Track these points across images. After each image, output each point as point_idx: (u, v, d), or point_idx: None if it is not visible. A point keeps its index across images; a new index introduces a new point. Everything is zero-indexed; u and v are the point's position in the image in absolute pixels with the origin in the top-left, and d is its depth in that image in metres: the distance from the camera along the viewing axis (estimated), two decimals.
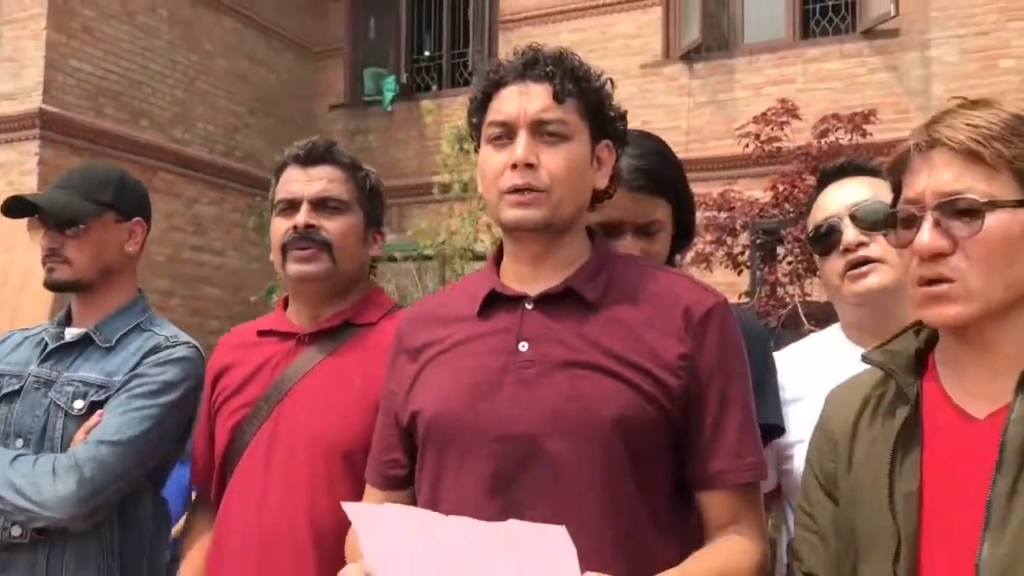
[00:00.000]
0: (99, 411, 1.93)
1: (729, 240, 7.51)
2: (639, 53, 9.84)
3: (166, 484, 2.14)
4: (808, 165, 7.08)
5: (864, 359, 1.34)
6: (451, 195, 8.04)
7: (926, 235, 1.17)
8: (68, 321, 2.10)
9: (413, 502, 1.48)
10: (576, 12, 10.14)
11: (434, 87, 11.24)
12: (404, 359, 1.55)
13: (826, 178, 1.91)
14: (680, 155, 1.87)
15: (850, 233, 1.77)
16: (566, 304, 1.44)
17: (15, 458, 1.87)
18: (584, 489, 1.35)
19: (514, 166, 1.42)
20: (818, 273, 1.94)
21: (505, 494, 1.34)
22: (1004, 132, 1.15)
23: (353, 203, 1.87)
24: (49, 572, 1.89)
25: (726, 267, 7.60)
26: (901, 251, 1.24)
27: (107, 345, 2.02)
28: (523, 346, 1.42)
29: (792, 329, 6.63)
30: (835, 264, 1.81)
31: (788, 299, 7.08)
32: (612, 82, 1.55)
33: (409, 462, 1.52)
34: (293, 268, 1.83)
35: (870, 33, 8.96)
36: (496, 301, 1.48)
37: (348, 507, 1.22)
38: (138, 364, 1.97)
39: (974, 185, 1.16)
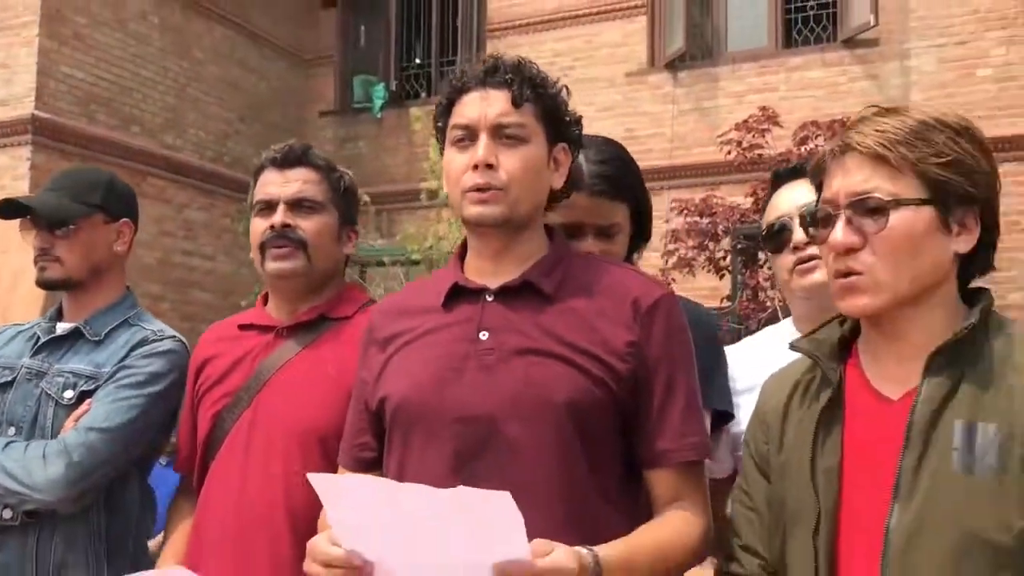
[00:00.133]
0: (88, 400, 2.02)
1: (711, 245, 7.64)
2: (624, 61, 9.95)
3: (158, 488, 2.22)
4: None
5: (792, 347, 1.45)
6: (438, 201, 8.13)
7: (839, 232, 1.29)
8: (59, 316, 2.19)
9: None
10: (562, 21, 10.24)
11: (423, 94, 11.33)
12: (374, 349, 1.64)
13: (779, 179, 2.01)
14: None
15: (799, 232, 1.88)
16: (524, 296, 1.55)
17: (7, 444, 1.97)
18: (538, 467, 1.44)
19: (475, 166, 1.52)
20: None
21: (465, 471, 1.43)
22: (908, 137, 1.27)
23: (327, 203, 1.95)
24: (39, 553, 1.98)
25: (708, 272, 7.73)
26: (821, 247, 1.35)
27: (96, 339, 2.11)
28: (484, 335, 1.52)
29: None
30: (785, 261, 1.91)
31: (768, 302, 7.19)
32: (567, 89, 1.65)
33: (378, 445, 1.61)
34: (271, 265, 1.91)
35: (851, 42, 9.09)
36: (459, 294, 1.58)
37: (314, 478, 1.30)
38: (126, 356, 2.07)
39: (881, 185, 1.27)
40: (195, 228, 9.90)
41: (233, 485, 1.85)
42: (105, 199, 2.17)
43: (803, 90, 9.08)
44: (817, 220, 1.34)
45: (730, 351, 2.02)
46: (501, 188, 1.52)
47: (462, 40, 10.90)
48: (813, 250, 1.86)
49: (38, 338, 2.15)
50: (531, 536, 1.24)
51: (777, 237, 1.92)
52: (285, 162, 1.95)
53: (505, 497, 1.18)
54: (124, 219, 2.21)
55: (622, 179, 1.86)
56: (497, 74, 1.57)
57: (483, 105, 1.55)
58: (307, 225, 1.92)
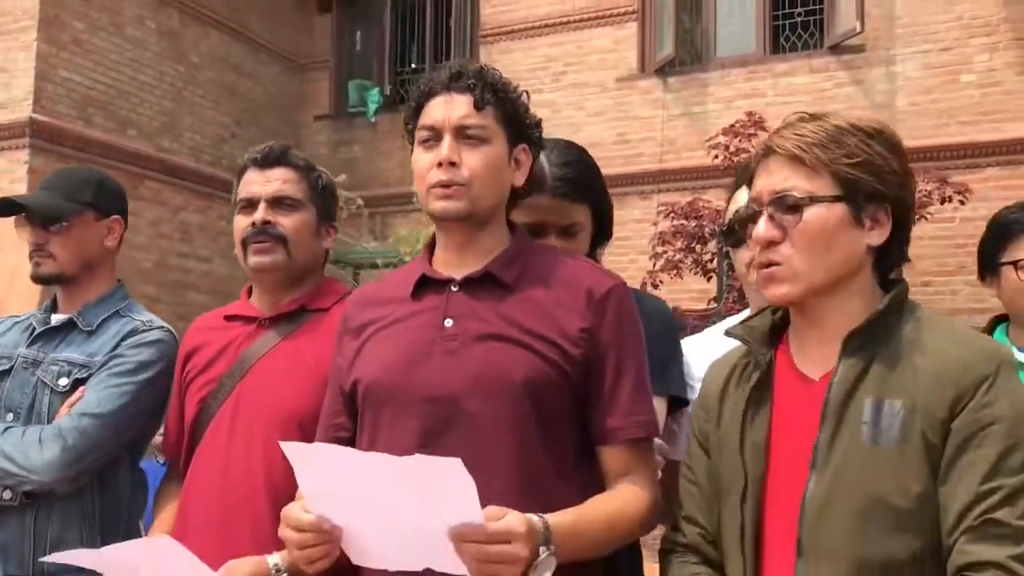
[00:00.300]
0: (81, 388, 2.13)
1: (698, 248, 7.76)
2: (615, 67, 10.08)
3: (154, 483, 2.28)
4: None
5: (727, 333, 1.58)
6: None
7: (761, 227, 1.42)
8: (54, 308, 2.30)
9: None
10: (554, 27, 10.38)
11: None
12: (349, 337, 1.77)
13: (740, 178, 2.14)
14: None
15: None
16: (486, 286, 1.67)
17: (6, 429, 2.08)
18: (498, 441, 1.55)
19: (439, 164, 1.65)
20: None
21: (431, 446, 1.53)
22: (824, 140, 1.39)
23: (306, 201, 2.06)
24: (36, 531, 2.09)
25: (696, 274, 7.85)
26: (750, 241, 1.48)
27: (89, 329, 2.22)
28: (448, 322, 1.64)
29: None
30: (744, 255, 2.03)
31: None
32: (528, 94, 1.78)
33: (352, 425, 1.73)
34: (252, 260, 2.02)
35: (837, 49, 9.22)
36: (427, 284, 1.71)
37: (286, 447, 1.41)
38: (117, 346, 2.17)
39: (798, 184, 1.40)
40: (191, 231, 9.99)
41: (217, 467, 1.94)
42: (96, 197, 2.28)
43: (790, 95, 9.20)
44: (745, 217, 1.47)
45: (686, 343, 2.15)
46: (463, 184, 1.64)
47: (455, 45, 11.03)
48: None
49: (34, 329, 2.26)
50: (489, 504, 1.35)
51: (735, 233, 2.04)
52: (266, 162, 2.06)
53: (456, 463, 1.28)
54: (114, 216, 2.31)
55: (583, 181, 1.98)
56: (461, 80, 1.69)
57: (447, 108, 1.67)
58: (286, 222, 2.02)
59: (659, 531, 1.70)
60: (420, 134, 1.71)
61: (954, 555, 1.27)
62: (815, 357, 1.45)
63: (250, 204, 2.04)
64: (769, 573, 1.41)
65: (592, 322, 1.63)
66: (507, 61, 10.39)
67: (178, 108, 9.97)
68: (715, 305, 7.69)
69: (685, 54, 9.97)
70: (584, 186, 1.98)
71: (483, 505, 1.34)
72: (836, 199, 1.39)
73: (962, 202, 7.55)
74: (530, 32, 10.50)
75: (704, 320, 6.51)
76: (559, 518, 1.46)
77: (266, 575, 1.72)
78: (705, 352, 2.08)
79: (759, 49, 9.71)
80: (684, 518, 1.60)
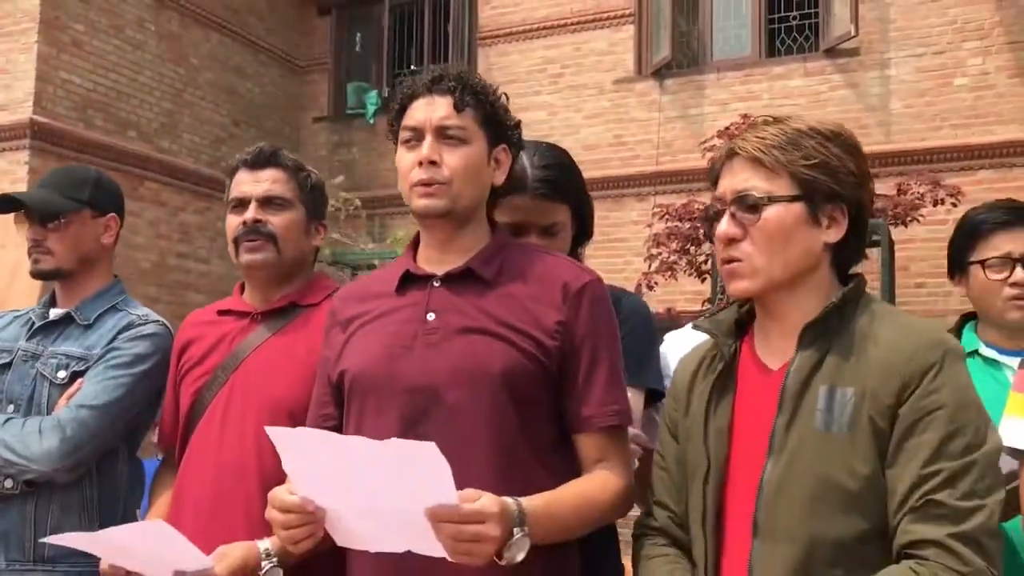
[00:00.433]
0: (79, 380, 2.20)
1: (693, 249, 7.82)
2: (612, 69, 10.12)
3: (149, 481, 2.35)
4: None
5: (694, 326, 1.65)
6: None
7: (723, 225, 1.49)
8: (52, 303, 2.37)
9: None
10: (551, 29, 10.42)
11: None
12: (336, 330, 1.84)
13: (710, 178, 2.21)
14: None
15: None
16: (467, 282, 1.74)
17: (6, 421, 2.15)
18: (476, 429, 1.63)
19: (421, 163, 1.72)
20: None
21: (412, 434, 1.59)
22: (783, 143, 1.47)
23: (296, 200, 2.13)
24: (37, 519, 2.16)
25: (690, 275, 7.91)
26: (715, 238, 1.55)
27: (86, 323, 2.29)
28: (431, 316, 1.71)
29: None
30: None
31: None
32: (507, 96, 1.85)
33: (339, 414, 1.80)
34: (244, 257, 2.10)
35: (832, 52, 9.27)
36: (410, 280, 1.78)
37: (272, 431, 1.47)
38: (114, 339, 2.24)
39: (758, 184, 1.47)
40: (190, 231, 10.03)
41: (211, 455, 2.01)
42: (92, 195, 2.35)
43: (786, 98, 9.26)
44: (710, 215, 1.54)
45: (667, 337, 2.23)
46: (444, 183, 1.71)
47: (453, 48, 11.09)
48: None
49: (33, 323, 2.33)
50: (466, 487, 1.41)
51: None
52: (256, 163, 2.14)
53: (431, 447, 1.34)
54: (111, 213, 2.39)
55: (562, 182, 2.05)
56: (442, 82, 1.76)
57: (428, 109, 1.74)
58: (276, 220, 2.10)
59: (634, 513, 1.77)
60: (403, 134, 1.78)
61: (898, 534, 1.34)
62: (776, 348, 1.52)
63: (241, 203, 2.12)
64: (730, 553, 1.48)
65: (568, 315, 1.70)
66: (505, 63, 10.48)
67: (178, 109, 10.02)
68: (709, 306, 7.74)
69: (681, 57, 10.02)
70: (564, 186, 2.05)
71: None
72: (794, 199, 1.46)
73: (955, 204, 7.60)
74: (527, 35, 10.55)
75: None
76: (533, 501, 1.52)
77: (257, 559, 1.79)
78: (683, 346, 2.16)
79: (754, 52, 9.77)
80: (655, 503, 1.67)
